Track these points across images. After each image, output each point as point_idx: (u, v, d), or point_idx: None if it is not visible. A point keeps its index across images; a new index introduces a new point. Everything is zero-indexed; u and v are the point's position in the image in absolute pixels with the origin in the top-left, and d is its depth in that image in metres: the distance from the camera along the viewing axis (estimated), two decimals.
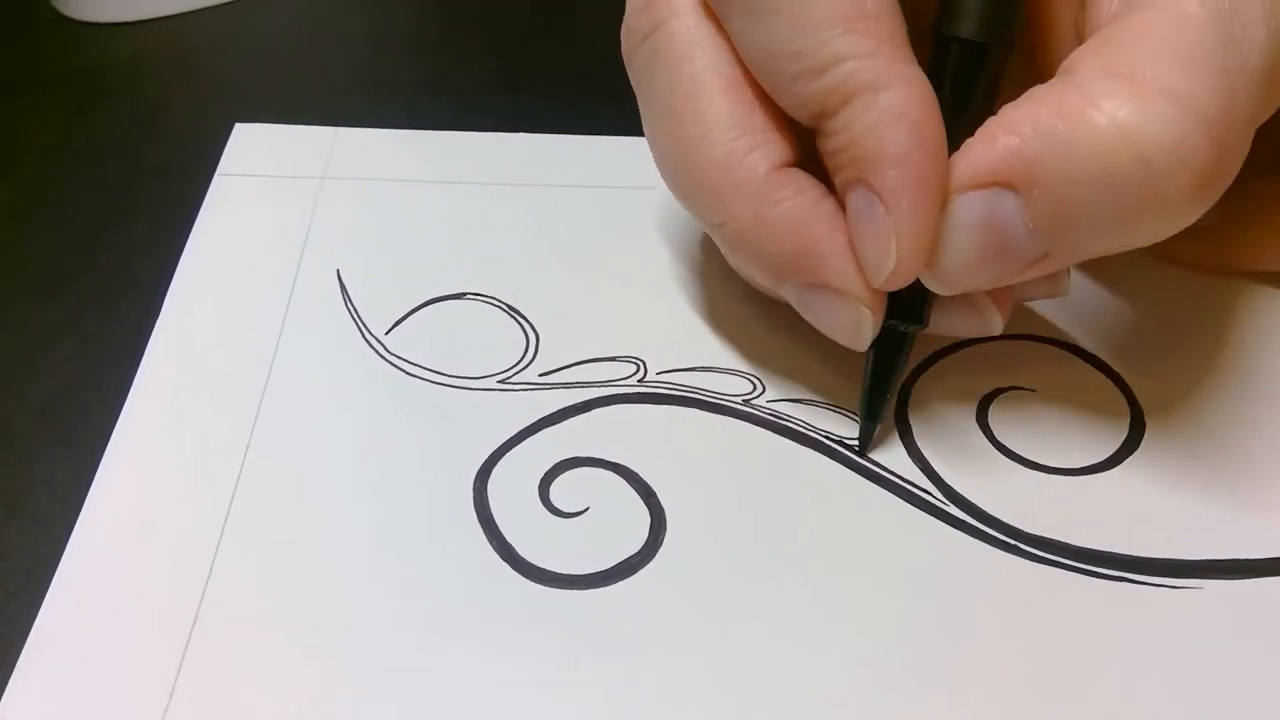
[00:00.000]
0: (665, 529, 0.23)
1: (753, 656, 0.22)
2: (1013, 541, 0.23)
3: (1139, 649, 0.22)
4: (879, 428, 0.25)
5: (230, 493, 0.24)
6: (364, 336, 0.27)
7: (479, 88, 0.35)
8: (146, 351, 0.27)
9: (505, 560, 0.23)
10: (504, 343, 0.27)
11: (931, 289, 0.22)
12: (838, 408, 0.26)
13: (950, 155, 0.21)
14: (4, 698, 0.21)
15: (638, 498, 0.24)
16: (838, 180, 0.22)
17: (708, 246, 0.29)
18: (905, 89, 0.21)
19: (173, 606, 0.22)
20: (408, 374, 0.26)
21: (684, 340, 0.27)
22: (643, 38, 0.24)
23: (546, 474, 0.24)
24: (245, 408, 0.25)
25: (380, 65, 0.37)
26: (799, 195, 0.22)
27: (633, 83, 0.25)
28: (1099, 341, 0.27)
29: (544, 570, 0.23)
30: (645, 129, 0.25)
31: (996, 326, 0.24)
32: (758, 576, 0.23)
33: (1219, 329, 0.27)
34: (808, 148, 0.23)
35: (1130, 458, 0.25)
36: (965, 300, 0.23)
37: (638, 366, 0.26)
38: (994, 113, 0.21)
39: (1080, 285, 0.28)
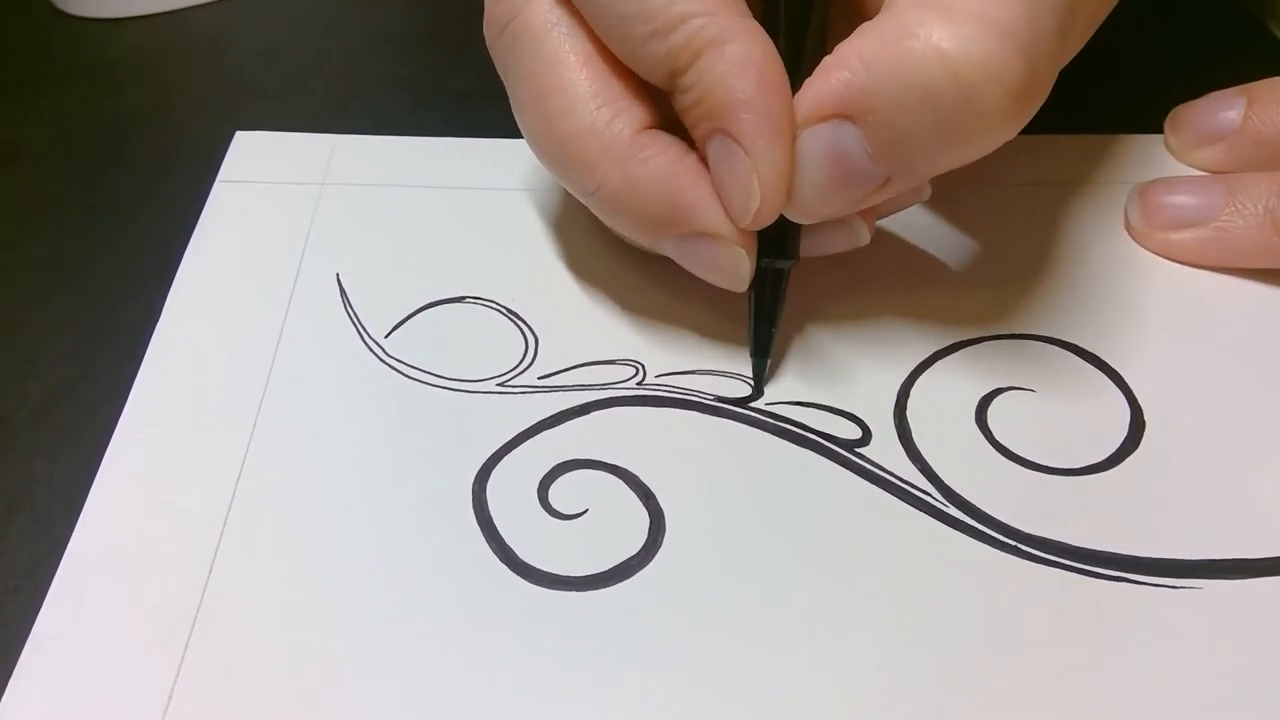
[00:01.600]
0: (664, 531, 0.23)
1: (751, 657, 0.22)
2: (1012, 542, 0.23)
3: (1139, 649, 0.22)
4: (769, 363, 0.26)
5: (230, 496, 0.24)
6: (363, 340, 0.27)
7: (478, 88, 0.35)
8: (146, 355, 0.27)
9: (504, 562, 0.23)
10: (503, 346, 0.27)
11: (793, 220, 0.24)
12: (836, 410, 0.26)
13: (794, 97, 0.23)
14: (3, 699, 0.21)
15: (636, 500, 0.24)
16: (696, 134, 0.24)
17: None
18: (747, 40, 0.22)
19: (172, 609, 0.22)
20: (407, 377, 0.26)
21: (682, 343, 0.27)
22: (502, 27, 0.25)
23: (546, 476, 0.24)
24: (245, 411, 0.25)
25: (379, 64, 0.37)
26: (663, 153, 0.24)
27: (499, 70, 0.26)
28: (1098, 341, 0.27)
29: (543, 572, 0.23)
30: (514, 112, 0.26)
31: (864, 237, 0.26)
32: (756, 578, 0.23)
33: (1218, 328, 0.27)
34: (666, 114, 0.24)
35: (1130, 458, 0.25)
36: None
37: (636, 369, 0.26)
38: (829, 53, 0.22)
39: (1080, 284, 0.28)
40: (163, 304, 0.28)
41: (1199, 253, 0.29)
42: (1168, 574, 0.23)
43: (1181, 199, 0.29)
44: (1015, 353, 0.27)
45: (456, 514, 0.24)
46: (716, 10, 0.22)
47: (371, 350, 0.27)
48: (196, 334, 0.27)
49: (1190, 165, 0.31)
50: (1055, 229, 0.30)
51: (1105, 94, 0.35)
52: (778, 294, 0.26)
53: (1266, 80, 0.30)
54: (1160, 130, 0.32)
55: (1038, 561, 0.23)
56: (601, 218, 0.26)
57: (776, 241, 0.25)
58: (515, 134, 0.26)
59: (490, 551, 0.23)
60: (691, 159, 0.24)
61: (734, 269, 0.24)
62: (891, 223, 0.30)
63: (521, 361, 0.27)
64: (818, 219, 0.24)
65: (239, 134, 0.33)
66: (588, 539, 0.23)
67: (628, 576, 0.23)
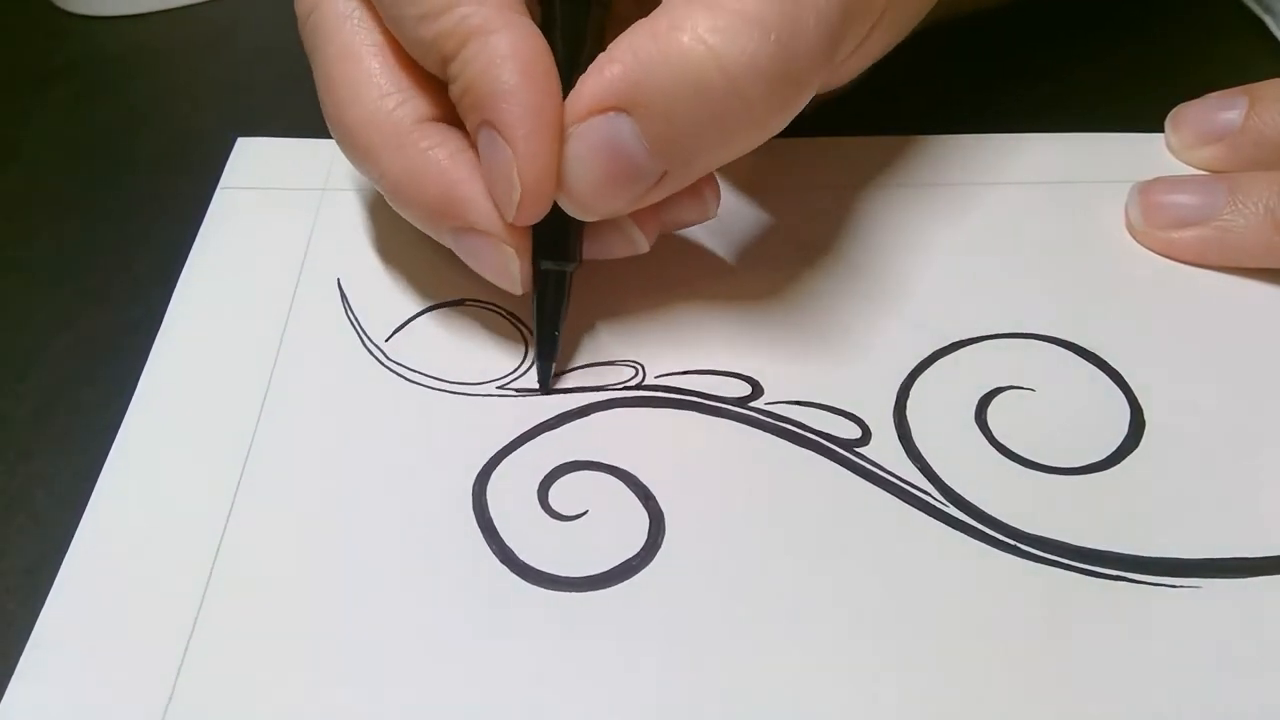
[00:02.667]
0: (664, 532, 0.23)
1: (752, 657, 0.22)
2: (1012, 541, 0.23)
3: (1138, 648, 0.22)
4: (554, 366, 0.26)
5: (231, 498, 0.24)
6: (364, 343, 0.27)
7: None
8: (149, 359, 0.27)
9: (504, 563, 0.23)
10: (503, 349, 0.27)
11: (574, 215, 0.24)
12: (835, 410, 0.26)
13: (571, 92, 0.23)
14: (4, 698, 0.21)
15: (636, 501, 0.24)
16: (469, 127, 0.24)
17: (707, 249, 0.29)
18: (513, 32, 0.23)
19: (173, 609, 0.22)
20: (408, 380, 0.26)
21: (682, 344, 0.27)
22: (304, 18, 0.26)
23: (546, 478, 0.24)
24: (247, 414, 0.26)
25: None
26: (442, 145, 0.24)
27: (308, 57, 0.27)
28: (1098, 341, 0.27)
29: (543, 573, 0.23)
30: (319, 99, 0.26)
31: (643, 245, 0.26)
32: (756, 578, 0.23)
33: (1218, 327, 0.27)
34: (454, 107, 0.25)
35: (1129, 457, 0.25)
36: (611, 223, 0.25)
37: (636, 370, 0.26)
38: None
39: (1080, 284, 0.28)
40: (163, 303, 0.28)
41: (1200, 252, 0.29)
42: (1167, 573, 0.23)
43: (1182, 198, 0.29)
44: (1015, 352, 0.27)
45: (457, 515, 0.24)
46: (483, 1, 0.23)
47: (372, 354, 0.27)
48: (198, 338, 0.27)
49: (1191, 165, 0.31)
50: (1056, 228, 0.30)
51: (1105, 94, 0.35)
52: (559, 297, 0.26)
53: (1269, 80, 0.31)
54: (1161, 129, 0.32)
55: (1037, 561, 0.23)
56: (390, 204, 0.26)
57: (557, 244, 0.25)
58: None
59: (490, 553, 0.23)
60: (472, 154, 0.24)
61: (504, 267, 0.25)
62: (892, 222, 0.30)
63: (521, 364, 0.27)
64: (599, 215, 0.24)
65: (240, 140, 0.33)
66: (588, 540, 0.23)
67: (628, 577, 0.23)
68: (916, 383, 0.26)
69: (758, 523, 0.24)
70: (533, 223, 0.24)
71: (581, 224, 0.25)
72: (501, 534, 0.23)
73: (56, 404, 0.27)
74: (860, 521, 0.24)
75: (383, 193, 0.26)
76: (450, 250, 0.25)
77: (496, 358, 0.27)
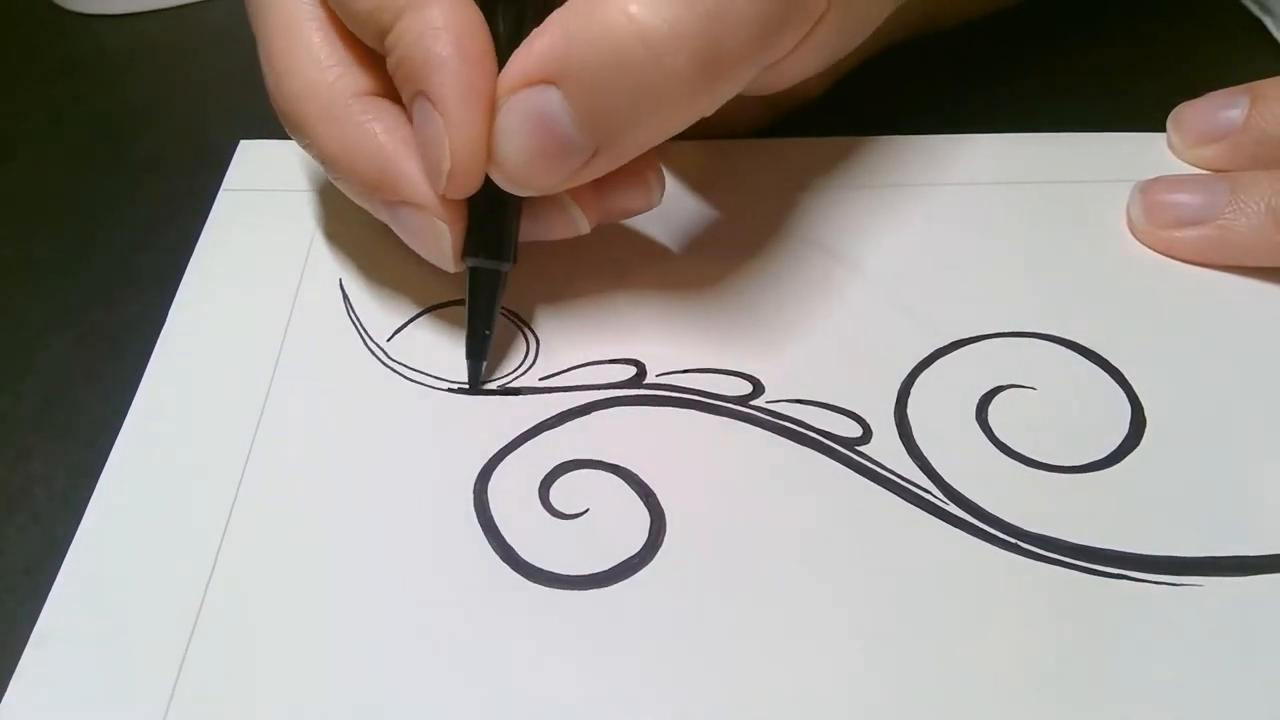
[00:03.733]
0: (665, 530, 0.23)
1: (752, 656, 0.22)
2: (1013, 540, 0.23)
3: (1139, 646, 0.22)
4: (484, 365, 0.26)
5: (233, 497, 0.24)
6: (366, 344, 0.27)
7: None
8: (151, 359, 0.27)
9: (506, 561, 0.23)
10: (505, 348, 0.27)
11: (508, 189, 0.24)
12: (836, 408, 0.26)
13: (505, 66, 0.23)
14: (5, 698, 0.21)
15: (637, 499, 0.24)
16: (404, 99, 0.24)
17: (708, 248, 0.29)
18: (447, 4, 0.23)
19: (175, 608, 0.22)
20: (409, 380, 0.26)
21: (683, 343, 0.27)
22: None
23: (547, 476, 0.24)
24: (249, 414, 0.25)
25: None
26: (379, 119, 0.25)
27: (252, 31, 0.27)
28: (1099, 339, 0.27)
29: (544, 571, 0.23)
30: (261, 72, 0.26)
31: (583, 225, 0.26)
32: (757, 577, 0.23)
33: (1219, 326, 0.27)
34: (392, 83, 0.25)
35: (1130, 455, 0.25)
36: (552, 201, 0.26)
37: (637, 369, 0.26)
38: None
39: (1081, 282, 0.28)
40: (164, 303, 0.28)
41: (1201, 251, 0.29)
42: (1168, 571, 0.23)
43: (1183, 197, 0.29)
44: (1016, 350, 0.27)
45: (458, 514, 0.24)
46: None
47: (374, 354, 0.27)
48: (201, 338, 0.27)
49: (1193, 164, 0.31)
50: (1057, 227, 0.30)
51: (1106, 93, 0.35)
52: (492, 296, 0.26)
53: (1271, 79, 0.30)
54: (1162, 128, 0.32)
55: (1038, 559, 0.23)
56: (330, 179, 0.26)
57: (491, 242, 0.25)
58: None
59: (492, 551, 0.23)
60: (408, 129, 0.25)
61: (436, 242, 0.25)
62: (890, 222, 0.30)
63: (523, 363, 0.27)
64: (533, 190, 0.24)
65: (243, 143, 0.33)
66: (589, 538, 0.23)
67: (629, 575, 0.23)
68: (917, 381, 0.26)
69: (758, 521, 0.24)
70: (464, 196, 0.24)
71: (517, 223, 0.26)
72: (503, 532, 0.23)
73: (56, 404, 0.27)
74: (861, 520, 0.24)
75: (320, 165, 0.26)
76: None
77: (497, 357, 0.27)
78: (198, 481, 0.24)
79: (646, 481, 0.24)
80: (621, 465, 0.25)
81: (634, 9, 0.21)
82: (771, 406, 0.26)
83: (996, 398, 0.26)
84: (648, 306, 0.28)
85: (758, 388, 0.26)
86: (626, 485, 0.24)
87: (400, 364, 0.27)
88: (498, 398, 0.26)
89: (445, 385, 0.26)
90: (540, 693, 0.21)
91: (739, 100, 0.24)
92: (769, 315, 0.27)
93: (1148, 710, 0.21)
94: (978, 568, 0.23)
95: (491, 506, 0.24)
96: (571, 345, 0.27)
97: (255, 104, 0.34)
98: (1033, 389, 0.26)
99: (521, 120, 0.23)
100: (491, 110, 0.23)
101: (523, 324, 0.27)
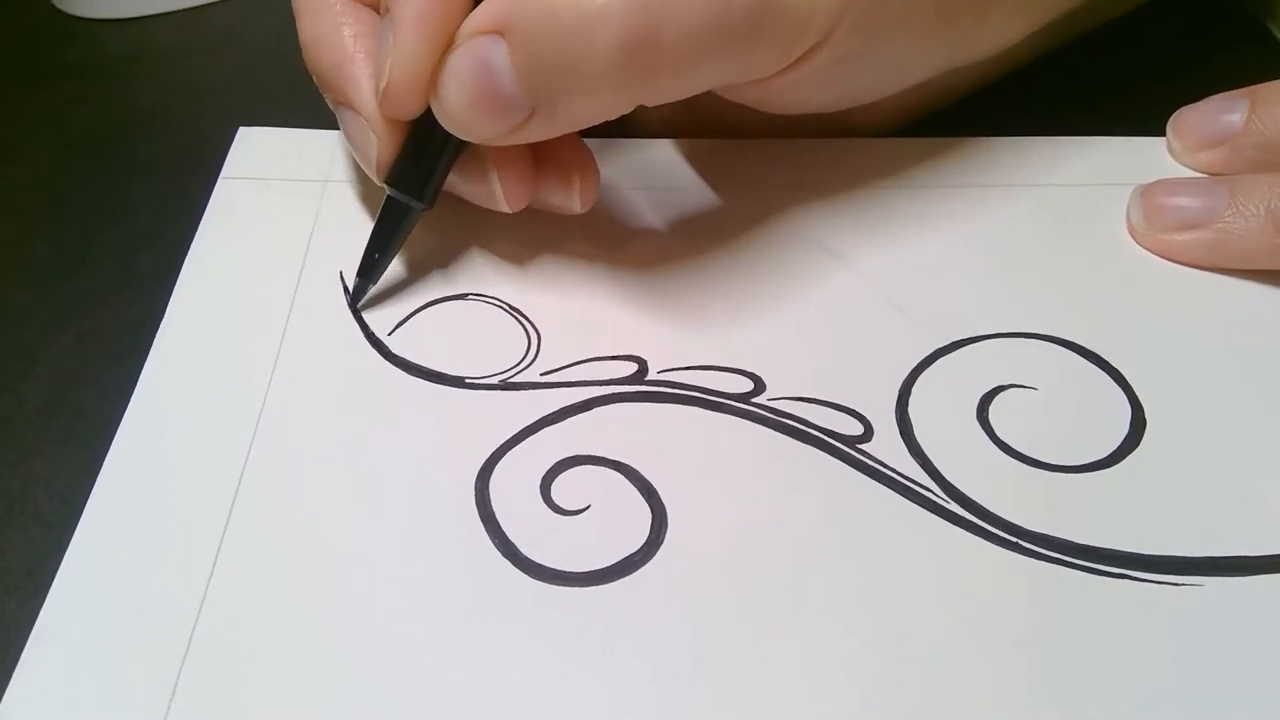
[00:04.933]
0: (666, 527, 0.23)
1: (753, 653, 0.22)
2: (1014, 539, 0.23)
3: (1140, 646, 0.22)
4: (372, 287, 0.28)
5: (233, 492, 0.24)
6: (367, 337, 0.27)
7: None
8: (150, 352, 0.27)
9: (507, 557, 0.23)
10: (506, 342, 0.27)
11: (449, 130, 0.25)
12: (838, 406, 0.26)
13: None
14: (5, 698, 0.21)
15: (639, 495, 0.24)
16: (381, 13, 0.25)
17: (710, 246, 0.29)
18: None
19: (175, 606, 0.22)
20: (410, 374, 0.26)
21: (685, 339, 0.27)
22: None
23: (548, 472, 0.24)
24: (249, 407, 0.25)
25: None
26: (351, 23, 0.26)
27: None
28: (1100, 341, 0.27)
29: (546, 567, 0.23)
30: None
31: (501, 202, 0.27)
32: (758, 574, 0.23)
33: (1219, 327, 0.27)
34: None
35: (1131, 455, 0.25)
36: (479, 165, 0.27)
37: (639, 366, 0.26)
38: None
39: (1082, 284, 0.28)
40: (164, 303, 0.28)
41: (1201, 254, 0.29)
42: (1169, 571, 0.23)
43: (1183, 200, 0.29)
44: (1017, 351, 0.27)
45: (459, 510, 0.24)
46: None
47: (374, 347, 0.27)
48: (200, 330, 0.27)
49: (1193, 168, 0.31)
50: (1058, 229, 0.30)
51: (1106, 97, 0.35)
52: (398, 230, 0.27)
53: (1270, 83, 0.31)
54: (1162, 132, 0.32)
55: (1039, 558, 0.23)
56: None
57: (415, 179, 0.26)
58: None
59: (493, 547, 0.23)
60: (374, 41, 0.26)
61: (365, 149, 0.26)
62: (891, 223, 0.30)
63: (524, 358, 0.27)
64: (471, 136, 0.25)
65: (242, 130, 0.32)
66: (590, 535, 0.23)
67: (630, 572, 0.23)
68: (919, 380, 0.26)
69: (760, 518, 0.24)
70: (398, 117, 0.25)
71: (446, 171, 0.26)
72: (504, 528, 0.23)
73: (56, 404, 0.27)
74: (862, 518, 0.24)
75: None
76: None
77: (499, 352, 0.27)
78: (198, 476, 0.24)
79: (648, 478, 0.24)
80: (623, 462, 0.24)
81: None
82: (773, 404, 0.26)
83: (997, 397, 0.26)
84: (649, 303, 0.28)
85: (759, 385, 0.26)
86: (628, 482, 0.24)
87: (401, 358, 0.27)
88: (499, 393, 0.26)
89: (446, 380, 0.26)
90: (541, 690, 0.21)
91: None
92: (771, 313, 0.27)
93: (1148, 710, 0.21)
94: (978, 566, 0.23)
95: (493, 502, 0.24)
96: (573, 341, 0.27)
97: (257, 108, 0.34)
98: (1034, 389, 0.26)
99: (468, 64, 0.24)
100: (444, 44, 0.24)
101: (524, 319, 0.27)
